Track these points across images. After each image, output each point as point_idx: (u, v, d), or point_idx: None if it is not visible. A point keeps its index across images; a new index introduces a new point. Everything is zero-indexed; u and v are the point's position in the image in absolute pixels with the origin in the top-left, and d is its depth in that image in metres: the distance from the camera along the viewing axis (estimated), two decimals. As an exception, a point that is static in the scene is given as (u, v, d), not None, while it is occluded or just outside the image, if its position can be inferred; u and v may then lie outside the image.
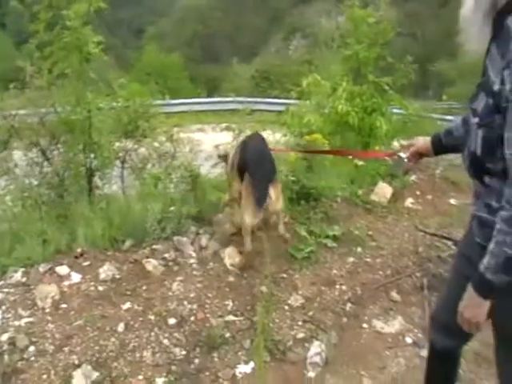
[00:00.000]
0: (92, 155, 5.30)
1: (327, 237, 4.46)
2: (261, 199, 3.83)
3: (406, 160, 2.60)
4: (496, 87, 1.78)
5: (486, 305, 1.89)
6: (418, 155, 2.58)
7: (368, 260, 4.30)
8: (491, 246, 1.81)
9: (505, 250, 1.76)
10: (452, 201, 5.36)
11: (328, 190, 5.09)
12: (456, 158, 6.34)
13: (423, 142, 2.53)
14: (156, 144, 6.21)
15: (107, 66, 6.35)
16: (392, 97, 6.72)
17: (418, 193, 5.40)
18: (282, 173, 4.82)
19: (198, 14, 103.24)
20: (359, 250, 4.42)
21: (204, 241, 4.44)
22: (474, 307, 1.92)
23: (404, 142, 2.45)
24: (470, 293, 1.91)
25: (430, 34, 46.01)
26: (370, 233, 4.70)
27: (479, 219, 2.02)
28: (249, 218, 3.92)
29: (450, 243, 4.29)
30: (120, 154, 5.85)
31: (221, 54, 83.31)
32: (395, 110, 7.46)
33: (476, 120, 1.90)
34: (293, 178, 4.96)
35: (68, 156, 5.26)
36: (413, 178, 5.60)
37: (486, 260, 1.83)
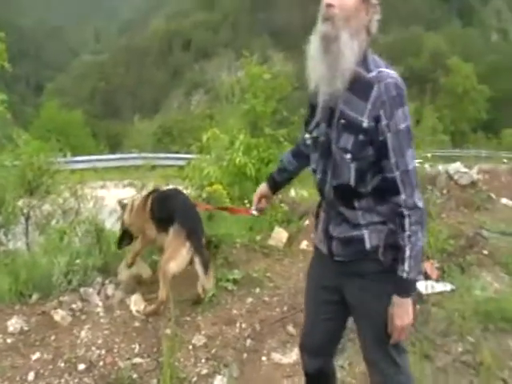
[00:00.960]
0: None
1: (228, 280, 4.76)
2: (205, 260, 4.23)
3: (255, 213, 3.00)
4: (365, 125, 2.20)
5: (411, 303, 2.30)
6: (265, 199, 2.98)
7: (266, 299, 4.63)
8: (407, 252, 2.22)
9: (419, 245, 2.23)
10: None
11: (228, 237, 5.41)
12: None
13: (262, 187, 2.97)
14: (60, 200, 6.36)
15: (8, 123, 6.46)
16: (287, 148, 7.22)
17: (312, 236, 5.83)
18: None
19: (99, 69, 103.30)
20: (258, 290, 4.74)
21: (110, 290, 4.61)
22: (405, 311, 2.28)
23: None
24: (398, 302, 2.28)
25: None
26: (268, 274, 5.04)
27: (343, 240, 2.39)
28: (175, 267, 4.19)
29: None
30: (24, 211, 5.95)
31: (122, 110, 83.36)
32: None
33: (348, 156, 2.26)
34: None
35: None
36: (307, 222, 6.03)
37: (405, 265, 2.23)
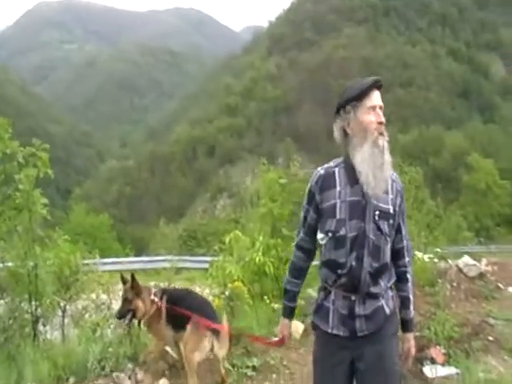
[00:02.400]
0: (36, 303, 5.94)
1: (247, 367, 5.18)
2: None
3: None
4: (391, 211, 2.83)
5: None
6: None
7: (282, 383, 5.02)
8: (411, 298, 2.98)
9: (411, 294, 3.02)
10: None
11: (248, 330, 5.84)
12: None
13: (285, 326, 3.19)
14: (93, 296, 6.89)
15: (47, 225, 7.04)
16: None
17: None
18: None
19: (125, 174, 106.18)
20: (274, 376, 5.14)
21: (139, 375, 5.05)
22: (413, 342, 2.98)
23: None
24: (410, 337, 2.98)
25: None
26: (285, 363, 5.43)
27: (368, 315, 2.83)
28: (198, 356, 4.65)
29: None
30: (61, 304, 6.47)
31: (148, 215, 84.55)
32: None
33: (388, 239, 2.83)
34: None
35: (14, 304, 5.87)
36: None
37: (411, 308, 2.99)
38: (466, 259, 7.69)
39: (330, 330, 2.89)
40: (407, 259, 2.97)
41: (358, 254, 2.78)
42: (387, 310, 2.86)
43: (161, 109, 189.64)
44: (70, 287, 6.54)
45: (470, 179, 52.07)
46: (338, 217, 2.81)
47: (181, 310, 4.71)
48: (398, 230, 2.93)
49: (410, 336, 2.99)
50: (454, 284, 7.23)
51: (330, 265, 2.87)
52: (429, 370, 4.90)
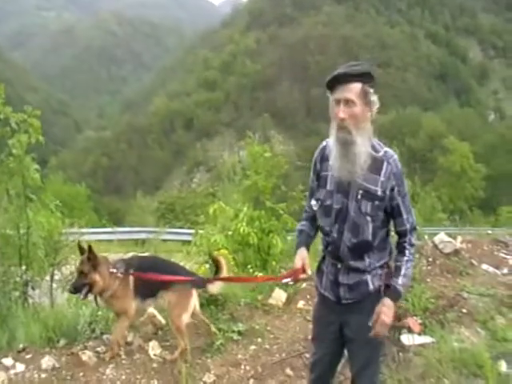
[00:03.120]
0: (26, 267, 6.05)
1: (233, 332, 5.37)
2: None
3: (290, 283, 3.24)
4: (379, 193, 2.89)
5: (393, 309, 2.96)
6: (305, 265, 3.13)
7: (267, 347, 5.23)
8: (403, 270, 2.98)
9: (410, 270, 3.03)
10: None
11: (233, 296, 6.05)
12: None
13: (304, 253, 3.13)
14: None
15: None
16: (286, 219, 7.90)
17: (308, 296, 6.44)
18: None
19: (102, 145, 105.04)
20: (259, 340, 5.34)
21: (129, 338, 5.20)
22: (390, 312, 2.92)
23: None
24: (387, 304, 2.93)
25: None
26: (269, 328, 5.64)
27: (351, 286, 3.02)
28: (187, 318, 4.83)
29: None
30: (50, 269, 6.58)
31: (124, 186, 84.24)
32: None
33: (368, 218, 2.91)
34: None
35: (3, 267, 5.96)
36: (304, 285, 6.65)
37: (399, 280, 2.97)
38: (442, 236, 7.93)
39: (322, 291, 3.18)
40: (408, 237, 3.03)
41: (340, 226, 2.98)
42: (371, 286, 3.00)
43: (139, 80, 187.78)
44: (59, 252, 6.64)
45: (445, 161, 52.72)
46: (328, 188, 3.02)
47: (157, 275, 4.64)
48: (398, 213, 2.99)
49: (387, 301, 2.94)
50: (430, 259, 7.48)
51: (321, 231, 3.14)
52: (406, 339, 5.13)
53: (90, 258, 4.55)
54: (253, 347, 5.22)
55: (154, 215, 33.02)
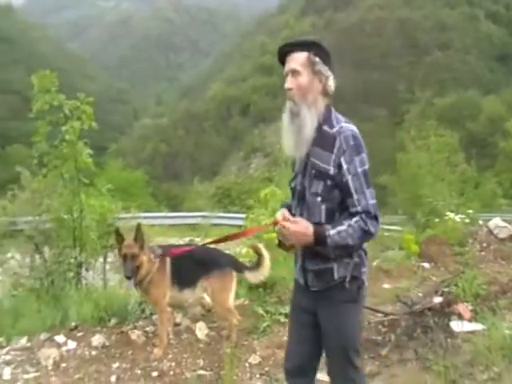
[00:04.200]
0: (80, 249, 6.24)
1: (280, 314, 5.38)
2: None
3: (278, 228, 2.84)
4: (331, 172, 2.67)
5: (308, 241, 2.66)
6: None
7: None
8: (341, 227, 2.62)
9: (348, 240, 2.63)
10: (385, 285, 6.38)
11: (281, 280, 6.05)
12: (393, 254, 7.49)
13: (285, 211, 2.87)
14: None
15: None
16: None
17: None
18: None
19: (160, 132, 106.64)
20: (306, 323, 5.35)
21: (178, 319, 5.30)
22: (302, 235, 2.65)
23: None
24: (309, 226, 2.65)
25: (382, 152, 48.26)
26: (315, 312, 5.64)
27: (317, 272, 2.82)
28: (232, 298, 4.89)
29: (380, 315, 5.26)
30: (103, 251, 6.77)
31: (182, 172, 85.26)
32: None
33: (319, 199, 2.72)
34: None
35: (58, 249, 6.18)
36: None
37: (334, 232, 2.62)
38: (497, 221, 7.72)
39: (295, 276, 3.05)
40: (362, 220, 2.64)
41: (301, 208, 2.86)
42: (336, 275, 2.77)
43: (196, 67, 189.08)
44: (112, 235, 6.81)
45: (506, 145, 51.01)
46: (295, 170, 2.96)
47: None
48: (348, 193, 2.69)
49: (309, 228, 2.66)
50: (484, 245, 7.30)
51: (292, 215, 2.90)
52: (456, 325, 5.01)
53: (137, 239, 4.48)
54: (299, 330, 5.23)
55: (211, 200, 33.26)
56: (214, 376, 4.37)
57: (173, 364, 4.50)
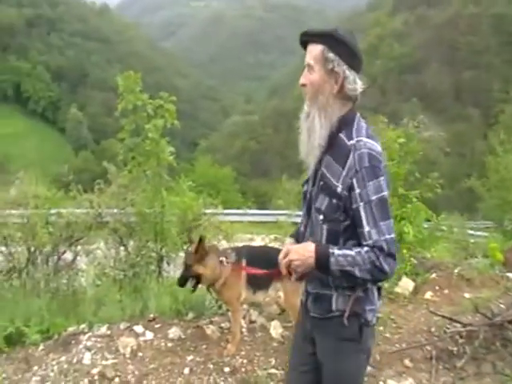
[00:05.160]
0: (161, 243, 6.44)
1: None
2: None
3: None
4: (339, 190, 2.31)
5: (309, 267, 2.31)
6: None
7: (387, 335, 5.14)
8: (349, 256, 2.24)
9: (355, 269, 2.23)
10: (466, 294, 6.19)
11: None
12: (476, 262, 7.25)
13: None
14: (214, 241, 7.30)
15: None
16: (419, 207, 7.63)
17: (436, 288, 6.23)
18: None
19: (249, 129, 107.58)
20: (381, 328, 5.25)
21: (253, 316, 5.37)
22: (303, 250, 2.33)
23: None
24: (310, 249, 2.30)
25: (474, 154, 46.52)
26: (392, 317, 5.53)
27: (315, 296, 2.54)
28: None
29: (458, 325, 5.10)
30: (184, 246, 6.93)
31: (271, 170, 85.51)
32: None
33: (321, 217, 2.38)
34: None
35: (142, 243, 6.40)
36: (433, 275, 6.45)
37: (340, 252, 2.26)
38: None
39: (301, 297, 2.78)
40: (374, 255, 2.22)
41: (306, 220, 2.59)
42: (333, 306, 2.44)
43: (285, 65, 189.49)
44: (192, 231, 6.96)
45: None
46: (309, 173, 2.62)
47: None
48: (359, 223, 2.29)
49: (310, 250, 2.31)
50: None
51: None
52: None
53: (198, 250, 4.42)
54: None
55: (297, 198, 33.13)
56: (284, 375, 4.40)
57: (245, 361, 4.55)
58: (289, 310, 4.94)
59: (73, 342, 4.85)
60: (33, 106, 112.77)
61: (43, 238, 6.02)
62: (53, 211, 6.45)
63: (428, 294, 6.15)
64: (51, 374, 4.34)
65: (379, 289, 2.54)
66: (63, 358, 4.57)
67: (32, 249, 6.30)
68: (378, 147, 2.34)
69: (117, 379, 4.21)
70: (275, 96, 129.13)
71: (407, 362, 4.72)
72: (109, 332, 4.92)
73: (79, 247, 6.63)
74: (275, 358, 4.65)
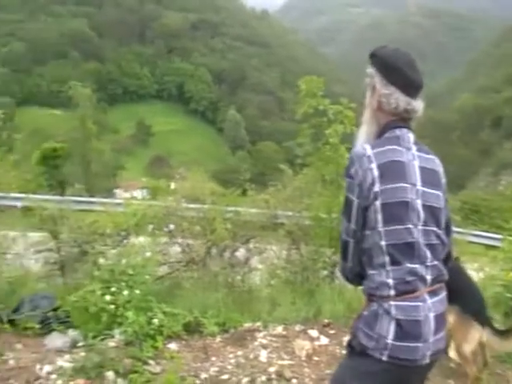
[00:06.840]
0: (334, 249, 6.45)
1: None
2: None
3: None
4: None
5: None
6: None
7: None
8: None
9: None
10: None
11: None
12: None
13: None
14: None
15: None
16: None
17: None
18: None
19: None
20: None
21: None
22: None
23: None
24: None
25: None
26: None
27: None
28: (468, 348, 4.30)
29: None
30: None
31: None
32: None
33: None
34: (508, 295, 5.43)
35: (315, 247, 6.47)
36: None
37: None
38: None
39: None
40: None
41: None
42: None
43: (444, 74, 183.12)
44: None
45: None
46: None
47: None
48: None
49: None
50: None
51: None
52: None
53: None
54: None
55: (458, 214, 31.87)
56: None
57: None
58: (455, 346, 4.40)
59: (249, 338, 5.03)
60: (194, 105, 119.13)
61: (222, 233, 6.26)
62: (230, 208, 6.70)
63: None
64: (229, 367, 4.50)
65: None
66: (240, 353, 4.74)
67: (209, 243, 6.57)
68: (362, 151, 2.17)
69: (294, 380, 4.27)
70: (432, 106, 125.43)
71: None
72: (284, 332, 5.04)
73: (251, 245, 6.82)
74: (453, 379, 4.46)
